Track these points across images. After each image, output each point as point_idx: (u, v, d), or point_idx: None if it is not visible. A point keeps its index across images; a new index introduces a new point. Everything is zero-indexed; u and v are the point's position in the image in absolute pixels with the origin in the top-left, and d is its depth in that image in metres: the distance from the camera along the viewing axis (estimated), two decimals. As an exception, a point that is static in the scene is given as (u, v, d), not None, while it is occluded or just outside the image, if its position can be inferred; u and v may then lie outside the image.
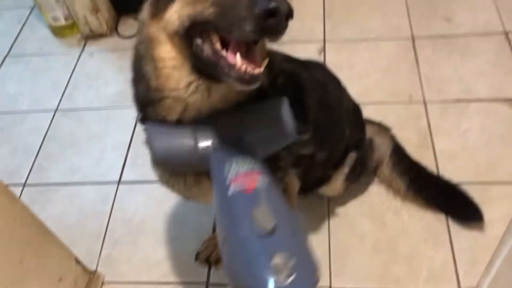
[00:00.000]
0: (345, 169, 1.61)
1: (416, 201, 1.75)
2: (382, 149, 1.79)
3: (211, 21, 0.88)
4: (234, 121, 1.03)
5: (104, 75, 2.43)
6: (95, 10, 2.47)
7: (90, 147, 2.14)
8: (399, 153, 1.80)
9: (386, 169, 1.77)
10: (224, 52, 0.89)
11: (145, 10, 1.03)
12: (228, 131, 1.01)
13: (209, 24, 0.89)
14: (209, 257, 1.71)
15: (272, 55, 1.16)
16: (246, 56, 0.88)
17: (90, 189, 2.00)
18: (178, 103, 1.01)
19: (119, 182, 1.99)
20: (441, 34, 2.32)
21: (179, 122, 1.03)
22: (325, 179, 1.62)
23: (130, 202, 1.93)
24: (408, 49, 2.29)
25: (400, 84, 2.15)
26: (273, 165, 1.19)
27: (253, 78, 0.88)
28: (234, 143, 0.99)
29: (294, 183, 1.38)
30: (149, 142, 1.04)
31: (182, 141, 1.01)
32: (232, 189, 0.88)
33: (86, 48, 2.58)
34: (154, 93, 1.01)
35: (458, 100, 2.04)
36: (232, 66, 0.88)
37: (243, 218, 0.85)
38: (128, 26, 2.62)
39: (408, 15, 2.43)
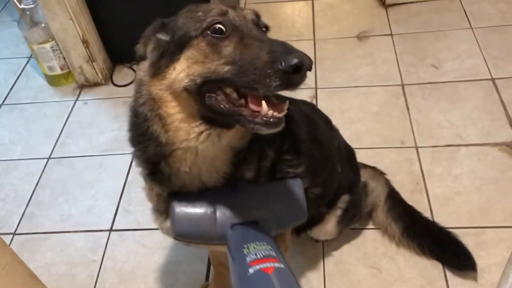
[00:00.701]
0: (338, 211, 1.60)
1: (410, 247, 1.73)
2: (377, 193, 1.79)
3: (227, 78, 0.91)
4: (252, 202, 1.11)
5: (98, 123, 2.44)
6: (91, 60, 2.52)
7: (82, 194, 2.12)
8: (394, 198, 1.80)
9: (381, 213, 1.76)
10: (243, 101, 0.92)
11: (143, 70, 1.04)
12: (246, 212, 1.08)
13: (225, 81, 0.92)
14: None
15: None
16: (268, 101, 0.91)
17: (81, 237, 1.97)
18: (189, 152, 1.03)
19: (110, 229, 1.97)
20: (430, 81, 2.37)
21: (195, 180, 1.08)
22: (319, 218, 1.60)
23: (121, 250, 1.90)
24: (398, 95, 2.34)
25: (392, 129, 2.18)
26: None
27: (279, 121, 0.91)
28: (251, 224, 1.07)
29: (285, 238, 1.37)
30: (171, 220, 1.10)
31: (202, 222, 1.08)
32: (252, 269, 0.92)
33: (80, 96, 2.61)
34: (165, 148, 1.03)
35: (449, 145, 2.07)
36: (256, 114, 0.90)
37: None
38: (123, 74, 2.67)
39: (397, 63, 2.50)
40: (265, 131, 0.92)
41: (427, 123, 2.18)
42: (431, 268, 1.68)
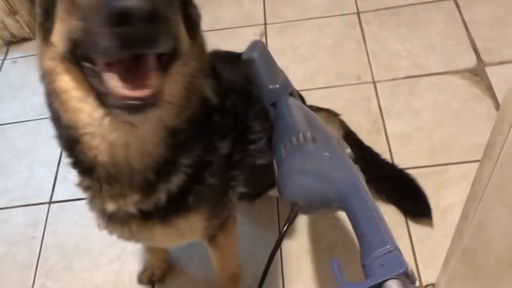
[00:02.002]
0: None
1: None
2: None
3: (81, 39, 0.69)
4: None
5: (30, 83, 2.21)
6: (12, 12, 2.24)
7: (16, 166, 1.94)
8: (350, 140, 1.66)
9: None
10: (108, 75, 0.68)
11: (37, 35, 0.82)
12: None
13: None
14: (151, 276, 1.57)
15: (218, 68, 1.01)
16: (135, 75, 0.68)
17: (19, 212, 1.81)
18: (99, 140, 0.82)
19: (50, 202, 1.81)
20: (387, 5, 2.17)
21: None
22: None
23: (63, 223, 1.75)
24: (354, 25, 2.14)
25: (347, 64, 2.01)
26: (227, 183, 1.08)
27: (137, 105, 0.67)
28: None
29: (234, 214, 1.23)
30: None
31: None
32: None
33: (8, 55, 2.35)
34: (70, 131, 0.83)
35: (408, 77, 1.91)
36: (110, 91, 0.68)
37: None
38: (54, 26, 2.41)
39: (352, -12, 2.28)
40: (123, 116, 0.71)
41: (385, 54, 2.00)
42: (392, 213, 1.58)
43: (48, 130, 2.08)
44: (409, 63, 1.95)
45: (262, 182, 1.38)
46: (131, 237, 1.03)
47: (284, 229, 0.88)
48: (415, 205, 1.56)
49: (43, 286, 1.63)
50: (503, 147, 0.72)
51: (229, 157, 1.04)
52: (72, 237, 1.71)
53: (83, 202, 1.77)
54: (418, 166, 1.66)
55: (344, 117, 1.72)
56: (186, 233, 1.05)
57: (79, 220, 1.74)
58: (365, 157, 1.63)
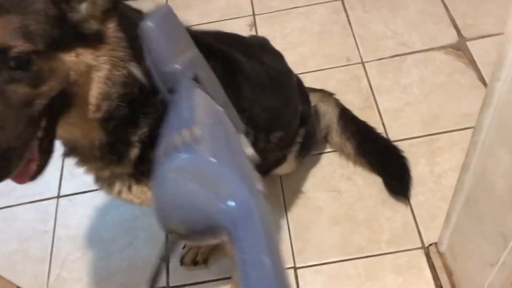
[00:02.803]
0: (296, 146, 1.54)
1: (363, 165, 1.70)
2: (329, 115, 1.73)
3: None
4: None
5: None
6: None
7: (21, 164, 1.98)
8: (345, 116, 1.74)
9: (335, 135, 1.71)
10: None
11: None
12: None
13: None
14: (195, 257, 1.60)
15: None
16: None
17: (27, 209, 1.85)
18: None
19: (58, 196, 1.85)
20: (369, -9, 2.27)
21: None
22: (281, 160, 1.53)
23: (72, 216, 1.80)
24: (339, 11, 2.23)
25: (336, 48, 2.09)
26: None
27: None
28: None
29: None
30: None
31: None
32: None
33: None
34: None
35: (395, 56, 2.00)
36: None
37: None
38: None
39: (334, -24, 2.37)
40: None
41: (371, 36, 2.09)
42: (390, 183, 1.67)
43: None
44: (394, 42, 2.04)
45: (266, 160, 1.40)
46: (119, 196, 1.09)
47: (158, 265, 0.64)
48: (396, 181, 1.64)
49: (59, 277, 1.67)
50: (501, 92, 0.80)
51: None
52: (83, 228, 1.76)
53: (91, 194, 1.84)
54: (411, 137, 1.75)
55: (337, 96, 1.80)
56: None
57: (88, 211, 1.79)
58: (360, 131, 1.72)
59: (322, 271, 1.54)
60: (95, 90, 0.86)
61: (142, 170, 0.99)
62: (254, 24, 2.27)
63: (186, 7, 2.36)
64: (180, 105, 0.73)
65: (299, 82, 1.61)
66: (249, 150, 0.73)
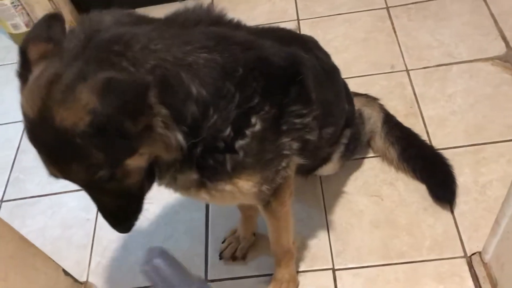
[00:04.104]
0: (341, 147, 1.55)
1: (406, 171, 1.69)
2: (373, 119, 1.74)
3: None
4: None
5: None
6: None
7: (66, 154, 2.04)
8: (390, 121, 1.75)
9: (379, 139, 1.72)
10: None
11: None
12: None
13: None
14: (234, 253, 1.63)
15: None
16: None
17: (71, 197, 1.90)
18: None
19: (101, 186, 1.90)
20: (414, 0, 2.27)
21: None
22: (327, 158, 1.54)
23: (115, 206, 1.84)
24: (384, 19, 2.24)
25: (380, 55, 2.10)
26: (275, 152, 1.14)
27: None
28: None
29: (290, 185, 1.28)
30: None
31: None
32: None
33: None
34: None
35: (440, 65, 2.00)
36: None
37: None
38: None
39: (380, -15, 2.38)
40: None
41: (416, 45, 2.09)
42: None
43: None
44: (440, 52, 2.04)
45: (316, 156, 1.43)
46: (195, 197, 1.16)
47: None
48: (441, 188, 1.62)
49: (99, 264, 1.71)
50: None
51: (276, 125, 1.10)
52: (125, 218, 1.79)
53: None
54: (455, 146, 1.74)
55: (381, 102, 1.80)
56: (236, 195, 1.14)
57: (130, 202, 1.82)
58: (405, 137, 1.71)
59: (361, 275, 1.53)
60: (164, 155, 0.97)
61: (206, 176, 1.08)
62: (298, 28, 2.29)
63: (231, 12, 2.41)
64: None
65: (344, 83, 1.63)
66: None
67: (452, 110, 1.85)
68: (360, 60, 2.10)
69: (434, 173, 1.65)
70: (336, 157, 1.55)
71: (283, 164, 1.18)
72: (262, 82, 1.03)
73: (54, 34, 0.90)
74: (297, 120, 1.14)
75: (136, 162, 0.92)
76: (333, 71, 1.43)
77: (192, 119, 0.94)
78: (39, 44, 0.89)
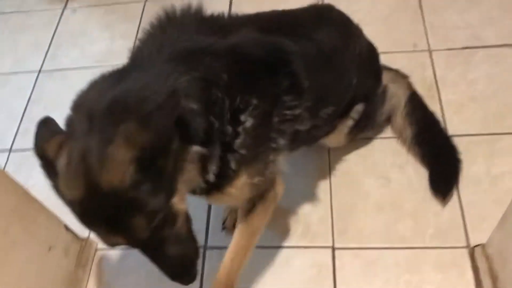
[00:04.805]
0: (350, 122, 1.52)
1: (416, 155, 1.65)
2: (397, 97, 1.69)
3: None
4: None
5: (89, 32, 2.29)
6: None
7: (77, 108, 2.03)
8: (415, 101, 1.69)
9: (400, 116, 1.67)
10: None
11: None
12: None
13: None
14: (235, 222, 1.62)
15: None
16: None
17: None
18: None
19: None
20: (446, -23, 2.17)
21: None
22: (330, 130, 1.53)
23: (121, 165, 1.84)
24: (411, -6, 2.15)
25: (403, 32, 2.02)
26: (264, 146, 1.18)
27: None
28: None
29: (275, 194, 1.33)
30: None
31: None
32: None
33: (68, 4, 2.43)
34: None
35: (465, 48, 1.92)
36: None
37: None
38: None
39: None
40: None
41: (442, 24, 2.01)
42: (443, 177, 1.62)
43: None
44: (466, 34, 1.95)
45: (316, 132, 1.45)
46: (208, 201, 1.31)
47: None
48: (442, 180, 1.59)
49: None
50: None
51: (267, 118, 1.16)
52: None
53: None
54: (471, 134, 1.68)
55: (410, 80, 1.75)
56: (238, 196, 1.21)
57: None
58: (425, 120, 1.67)
59: (360, 256, 1.52)
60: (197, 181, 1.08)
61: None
62: (322, 1, 2.21)
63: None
64: None
65: (372, 53, 1.59)
66: None
67: (472, 96, 1.79)
68: (382, 36, 2.00)
69: (440, 164, 1.61)
70: (342, 129, 1.52)
71: (271, 157, 1.23)
72: (247, 78, 1.10)
73: (56, 128, 0.98)
74: (288, 112, 1.19)
75: (179, 199, 0.98)
76: (334, 51, 1.36)
77: (204, 133, 1.01)
78: (51, 140, 0.94)
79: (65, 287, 1.51)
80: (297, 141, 1.33)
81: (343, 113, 1.49)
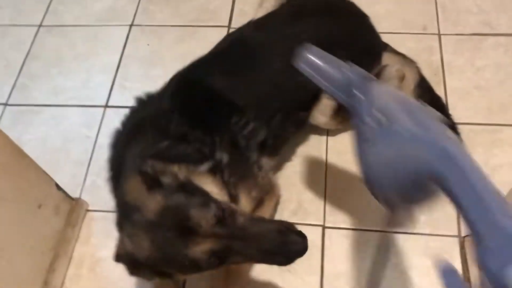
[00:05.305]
0: (326, 102, 1.49)
1: None
2: (408, 82, 1.64)
3: None
4: None
5: (93, -11, 2.23)
6: None
7: (76, 67, 1.99)
8: (423, 86, 1.66)
9: None
10: None
11: None
12: None
13: None
14: None
15: None
16: None
17: (75, 112, 1.88)
18: None
19: (106, 106, 1.87)
20: (463, -41, 2.10)
21: None
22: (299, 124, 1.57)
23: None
24: (425, -26, 2.08)
25: (414, 13, 1.97)
26: (246, 166, 1.32)
27: None
28: None
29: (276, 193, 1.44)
30: None
31: None
32: None
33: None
34: None
35: (475, 34, 1.87)
36: None
37: None
38: None
39: None
40: None
41: (454, 8, 1.96)
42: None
43: (108, 37, 2.14)
44: (478, 20, 1.91)
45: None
46: None
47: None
48: None
49: (94, 183, 1.71)
50: None
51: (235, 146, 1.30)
52: (125, 141, 1.77)
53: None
54: (473, 123, 1.66)
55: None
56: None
57: (133, 127, 1.80)
58: (431, 105, 1.63)
59: (350, 237, 1.52)
60: None
61: None
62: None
63: None
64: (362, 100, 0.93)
65: (358, 33, 1.59)
66: (437, 114, 0.89)
67: (477, 84, 1.76)
68: (392, 16, 1.97)
69: None
70: (322, 112, 1.52)
71: (257, 168, 1.37)
72: (192, 118, 1.27)
73: None
74: (244, 131, 1.32)
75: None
76: (260, 48, 1.43)
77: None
78: None
79: (53, 246, 1.50)
80: (271, 145, 1.42)
81: (314, 98, 1.49)
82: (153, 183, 1.03)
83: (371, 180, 0.91)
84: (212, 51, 1.47)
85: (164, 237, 0.98)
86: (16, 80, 1.98)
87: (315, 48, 1.02)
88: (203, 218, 0.98)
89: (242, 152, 1.32)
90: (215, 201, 1.04)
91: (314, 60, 0.99)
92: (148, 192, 1.02)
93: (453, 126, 1.60)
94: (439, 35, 1.89)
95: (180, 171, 1.08)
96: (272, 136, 1.40)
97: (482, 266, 0.59)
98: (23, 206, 1.38)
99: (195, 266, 1.00)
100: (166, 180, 1.04)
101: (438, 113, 0.89)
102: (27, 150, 1.39)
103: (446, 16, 1.94)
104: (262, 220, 1.08)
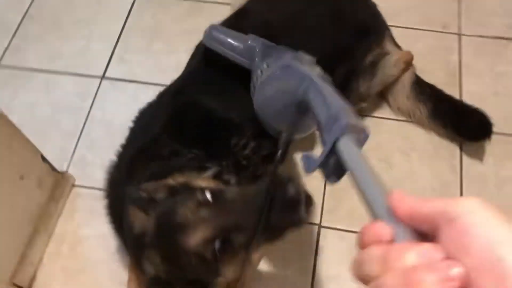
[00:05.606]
0: None
1: (437, 127, 1.56)
2: (401, 82, 1.58)
3: None
4: None
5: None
6: None
7: (75, 33, 1.89)
8: (420, 82, 1.58)
9: (407, 100, 1.57)
10: None
11: None
12: None
13: None
14: None
15: None
16: None
17: (69, 80, 1.78)
18: None
19: (102, 77, 1.77)
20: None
21: None
22: None
23: (112, 101, 1.72)
24: (450, -30, 1.97)
25: (435, 9, 1.87)
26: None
27: None
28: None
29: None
30: None
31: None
32: None
33: None
34: None
35: (498, 37, 1.78)
36: None
37: None
38: None
39: None
40: None
41: (479, 8, 1.85)
42: (448, 173, 1.52)
43: (112, 5, 2.03)
44: (503, 23, 1.81)
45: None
46: None
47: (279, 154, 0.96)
48: (475, 127, 1.52)
49: (83, 158, 1.62)
50: None
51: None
52: (120, 116, 1.67)
53: (136, 85, 1.76)
54: (487, 131, 1.57)
55: (419, 62, 1.62)
56: None
57: (129, 101, 1.70)
58: (436, 95, 1.57)
59: (346, 238, 1.45)
60: None
61: None
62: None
63: None
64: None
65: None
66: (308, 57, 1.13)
67: (495, 90, 1.66)
68: (411, 10, 1.87)
69: (465, 120, 1.53)
70: None
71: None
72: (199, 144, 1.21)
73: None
74: (246, 151, 1.25)
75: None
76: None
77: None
78: None
79: (33, 220, 1.42)
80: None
81: None
82: (149, 205, 1.01)
83: (261, 115, 1.12)
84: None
85: (165, 245, 0.96)
86: (10, 41, 1.87)
87: (220, 27, 1.28)
88: (187, 208, 0.95)
89: (249, 172, 1.26)
90: (200, 188, 1.00)
91: (219, 36, 1.23)
92: (147, 215, 1.00)
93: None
94: (460, 35, 1.79)
95: (174, 180, 1.07)
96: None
97: (323, 143, 0.74)
98: (3, 175, 1.29)
99: (204, 262, 0.94)
100: (159, 195, 1.02)
101: (309, 57, 1.11)
102: (14, 116, 1.30)
103: (468, 16, 1.84)
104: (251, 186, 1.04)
